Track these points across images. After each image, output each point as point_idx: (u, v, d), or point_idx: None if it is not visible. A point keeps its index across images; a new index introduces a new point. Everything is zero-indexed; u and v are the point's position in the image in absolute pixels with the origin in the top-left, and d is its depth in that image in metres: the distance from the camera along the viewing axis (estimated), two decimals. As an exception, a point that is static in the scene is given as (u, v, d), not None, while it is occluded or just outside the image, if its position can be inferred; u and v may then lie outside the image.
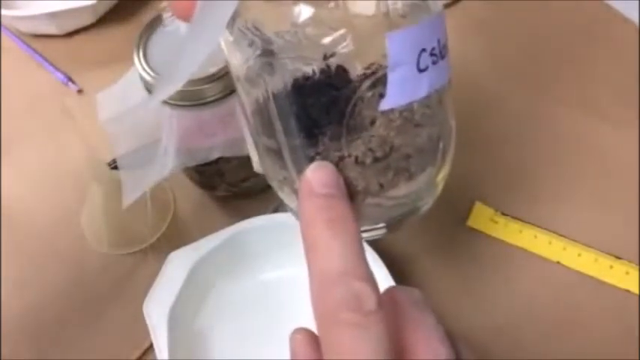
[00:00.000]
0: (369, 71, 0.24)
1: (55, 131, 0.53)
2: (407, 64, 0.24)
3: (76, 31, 0.60)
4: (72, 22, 0.59)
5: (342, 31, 0.23)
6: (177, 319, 0.40)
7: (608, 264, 0.43)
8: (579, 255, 0.43)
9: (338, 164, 0.23)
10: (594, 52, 0.53)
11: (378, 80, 0.24)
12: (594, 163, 0.47)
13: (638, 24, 0.54)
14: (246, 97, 0.26)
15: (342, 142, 0.23)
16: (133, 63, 0.38)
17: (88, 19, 0.59)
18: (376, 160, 0.24)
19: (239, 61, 0.25)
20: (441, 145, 0.28)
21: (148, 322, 0.40)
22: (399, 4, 0.24)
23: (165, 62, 0.37)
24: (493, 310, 0.42)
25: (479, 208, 0.46)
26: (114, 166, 0.43)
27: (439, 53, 0.25)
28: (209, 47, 0.23)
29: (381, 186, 0.25)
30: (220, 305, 0.42)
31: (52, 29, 0.58)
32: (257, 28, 0.23)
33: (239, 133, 0.38)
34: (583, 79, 0.51)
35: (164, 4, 0.40)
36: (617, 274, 0.42)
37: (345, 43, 0.23)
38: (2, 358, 0.43)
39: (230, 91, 0.37)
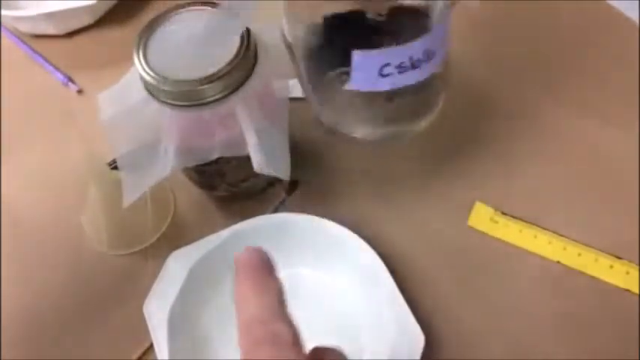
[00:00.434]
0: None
1: (55, 131, 0.53)
2: (367, 71, 0.32)
3: (76, 32, 0.60)
4: (72, 23, 0.59)
5: None
6: (177, 319, 0.40)
7: (608, 264, 0.43)
8: (579, 255, 0.43)
9: None
10: (595, 51, 0.53)
11: None
12: (594, 163, 0.47)
13: (638, 24, 0.54)
14: None
15: None
16: (133, 63, 0.38)
17: (88, 20, 0.59)
18: None
19: None
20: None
21: (148, 322, 0.40)
22: None
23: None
24: (493, 310, 0.42)
25: (479, 207, 0.46)
26: (114, 166, 0.43)
27: (410, 65, 0.33)
28: None
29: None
30: (220, 305, 0.42)
31: (51, 29, 0.58)
32: None
33: (239, 133, 0.38)
34: (583, 79, 0.51)
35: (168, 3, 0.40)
36: (617, 274, 0.42)
37: None
38: (2, 358, 0.43)
39: (230, 91, 0.37)
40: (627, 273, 0.42)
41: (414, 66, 0.32)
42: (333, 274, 0.43)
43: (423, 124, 0.44)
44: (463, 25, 0.53)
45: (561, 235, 0.44)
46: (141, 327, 0.40)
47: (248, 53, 0.38)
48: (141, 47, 0.38)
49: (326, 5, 0.36)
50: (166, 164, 0.39)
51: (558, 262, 0.43)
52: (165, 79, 0.37)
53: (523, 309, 0.42)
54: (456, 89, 0.49)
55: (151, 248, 0.46)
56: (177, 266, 0.41)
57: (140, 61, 0.37)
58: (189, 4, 0.40)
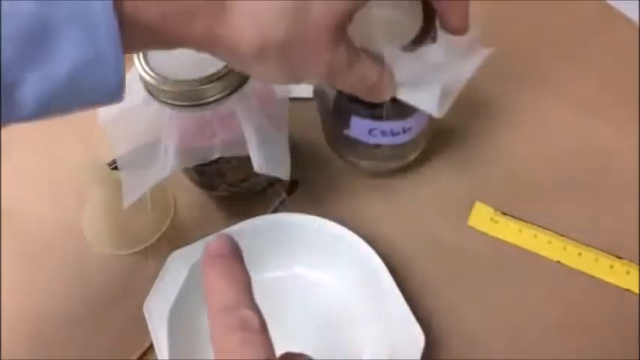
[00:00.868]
0: None
1: (55, 131, 0.53)
2: (360, 129, 0.42)
3: (76, 32, 0.60)
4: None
5: None
6: (177, 319, 0.40)
7: (608, 263, 0.43)
8: (579, 254, 0.43)
9: None
10: (595, 51, 0.53)
11: None
12: (594, 163, 0.47)
13: (638, 24, 0.54)
14: None
15: None
16: (133, 63, 0.38)
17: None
18: None
19: None
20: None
21: (148, 322, 0.40)
22: None
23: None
24: (493, 310, 0.42)
25: (479, 207, 0.46)
26: (114, 166, 0.43)
27: (390, 133, 0.42)
28: None
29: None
30: (220, 305, 0.42)
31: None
32: None
33: (239, 133, 0.38)
34: (583, 79, 0.51)
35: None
36: (617, 274, 0.42)
37: None
38: (2, 358, 0.43)
39: (230, 91, 0.37)
40: (627, 273, 0.42)
41: (393, 134, 0.42)
42: (333, 274, 0.43)
43: (411, 158, 0.48)
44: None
45: (561, 235, 0.44)
46: (141, 327, 0.40)
47: None
48: None
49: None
50: (166, 164, 0.39)
51: (558, 262, 0.43)
52: (165, 79, 0.36)
53: (523, 309, 0.42)
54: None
55: (151, 248, 0.46)
56: (178, 266, 0.41)
57: (140, 62, 0.37)
58: None
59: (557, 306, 0.42)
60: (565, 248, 0.44)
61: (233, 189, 0.47)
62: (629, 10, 0.55)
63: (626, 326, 0.41)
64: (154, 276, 0.41)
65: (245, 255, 0.43)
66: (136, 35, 0.26)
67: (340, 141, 0.46)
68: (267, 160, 0.39)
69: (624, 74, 0.51)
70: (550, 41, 0.54)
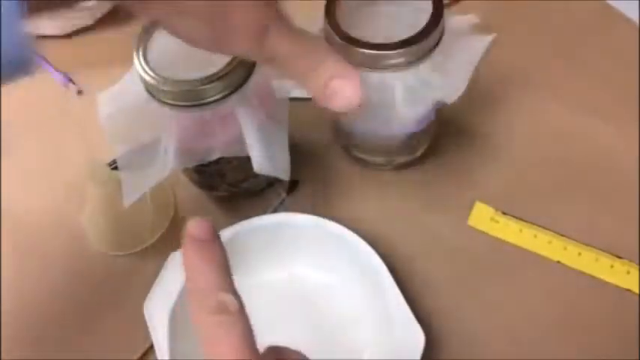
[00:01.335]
0: None
1: (55, 132, 0.53)
2: None
3: (76, 32, 0.60)
4: (71, 23, 0.59)
5: None
6: (177, 319, 0.39)
7: (608, 263, 0.43)
8: (580, 254, 0.43)
9: None
10: (594, 51, 0.53)
11: None
12: (594, 163, 0.47)
13: (638, 24, 0.54)
14: None
15: None
16: (132, 63, 0.38)
17: (88, 20, 0.59)
18: None
19: None
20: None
21: (148, 322, 0.40)
22: None
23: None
24: (493, 310, 0.42)
25: (479, 207, 0.46)
26: (114, 166, 0.43)
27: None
28: None
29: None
30: (221, 305, 0.42)
31: (51, 30, 0.58)
32: None
33: (239, 133, 0.38)
34: (583, 78, 0.51)
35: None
36: (617, 274, 0.42)
37: None
38: (2, 358, 0.43)
39: (230, 91, 0.37)
40: (628, 273, 0.42)
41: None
42: (333, 274, 0.43)
43: (420, 152, 0.48)
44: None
45: (561, 235, 0.44)
46: (141, 327, 0.40)
47: None
48: (141, 47, 0.38)
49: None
50: (166, 165, 0.39)
51: (558, 261, 0.43)
52: (165, 80, 0.36)
53: (523, 309, 0.42)
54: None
55: (151, 248, 0.46)
56: (178, 266, 0.41)
57: (140, 62, 0.37)
58: None
59: (558, 306, 0.42)
60: (565, 248, 0.44)
61: (233, 189, 0.47)
62: (629, 10, 0.55)
63: (626, 326, 0.41)
64: (154, 276, 0.41)
65: (245, 255, 0.43)
66: None
67: (351, 136, 0.45)
68: (267, 160, 0.39)
69: (624, 74, 0.51)
70: (550, 41, 0.54)
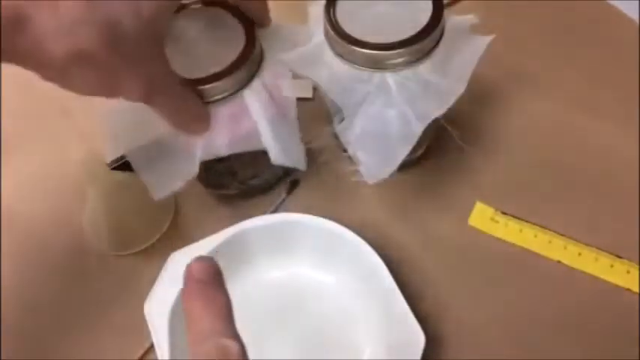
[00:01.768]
0: None
1: (55, 132, 0.53)
2: None
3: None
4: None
5: None
6: (178, 319, 0.39)
7: (608, 263, 0.43)
8: (580, 254, 0.43)
9: None
10: (595, 51, 0.53)
11: None
12: (594, 163, 0.47)
13: (638, 23, 0.54)
14: None
15: None
16: None
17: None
18: None
19: None
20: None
21: (148, 322, 0.40)
22: None
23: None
24: (493, 310, 0.42)
25: (479, 207, 0.46)
26: (114, 166, 0.43)
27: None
28: None
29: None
30: (221, 305, 0.42)
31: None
32: None
33: (250, 128, 0.39)
34: (583, 78, 0.51)
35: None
36: (617, 273, 0.42)
37: None
38: (2, 358, 0.43)
39: (237, 89, 0.38)
40: (628, 272, 0.42)
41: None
42: (333, 274, 0.43)
43: (419, 152, 0.48)
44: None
45: (561, 235, 0.44)
46: (141, 327, 0.40)
47: (254, 50, 0.38)
48: None
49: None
50: (193, 162, 0.39)
51: (559, 261, 0.43)
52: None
53: (523, 308, 0.42)
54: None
55: (151, 249, 0.46)
56: (178, 267, 0.41)
57: None
58: (193, 3, 0.40)
59: (558, 305, 0.42)
60: (565, 248, 0.44)
61: (242, 187, 0.47)
62: (629, 10, 0.55)
63: (626, 326, 0.41)
64: (155, 276, 0.41)
65: (245, 255, 0.43)
66: None
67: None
68: (283, 151, 0.39)
69: (624, 74, 0.51)
70: (550, 41, 0.54)
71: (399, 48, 0.37)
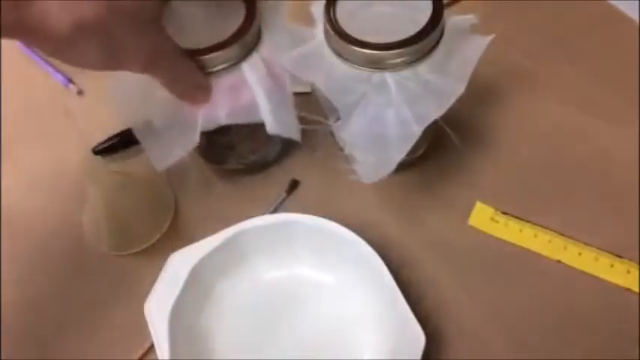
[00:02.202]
0: None
1: (55, 132, 0.53)
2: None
3: (76, 32, 0.60)
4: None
5: None
6: (178, 319, 0.40)
7: (608, 263, 0.43)
8: (580, 254, 0.43)
9: None
10: (595, 51, 0.53)
11: None
12: (594, 163, 0.47)
13: (638, 24, 0.54)
14: None
15: None
16: None
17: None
18: None
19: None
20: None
21: (149, 322, 0.40)
22: None
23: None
24: (493, 310, 0.42)
25: (479, 207, 0.46)
26: (98, 150, 0.43)
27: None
28: None
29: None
30: (221, 305, 0.42)
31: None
32: None
33: (249, 100, 0.40)
34: (584, 78, 0.51)
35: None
36: (617, 273, 0.42)
37: None
38: (2, 358, 0.43)
39: (237, 61, 0.39)
40: (628, 272, 0.42)
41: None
42: (333, 274, 0.43)
43: (420, 151, 0.48)
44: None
45: (562, 235, 0.44)
46: (142, 327, 0.40)
47: (254, 23, 0.40)
48: None
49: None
50: (193, 133, 0.40)
51: (559, 261, 0.43)
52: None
53: (524, 308, 0.42)
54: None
55: (151, 248, 0.46)
56: (178, 266, 0.41)
57: None
58: None
59: (558, 305, 0.42)
60: (565, 247, 0.44)
61: (243, 161, 0.48)
62: (630, 10, 0.55)
63: (626, 325, 0.41)
64: (155, 276, 0.41)
65: (245, 255, 0.43)
66: None
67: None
68: (278, 122, 0.40)
69: (624, 74, 0.51)
70: (550, 41, 0.54)
71: (399, 48, 0.37)
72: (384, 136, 0.40)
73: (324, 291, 0.43)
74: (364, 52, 0.38)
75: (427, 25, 0.38)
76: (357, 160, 0.41)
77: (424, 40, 0.37)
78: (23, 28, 0.30)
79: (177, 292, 0.40)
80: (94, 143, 0.48)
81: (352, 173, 0.42)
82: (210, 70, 0.39)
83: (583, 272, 0.43)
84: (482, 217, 0.45)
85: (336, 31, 0.38)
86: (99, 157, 0.43)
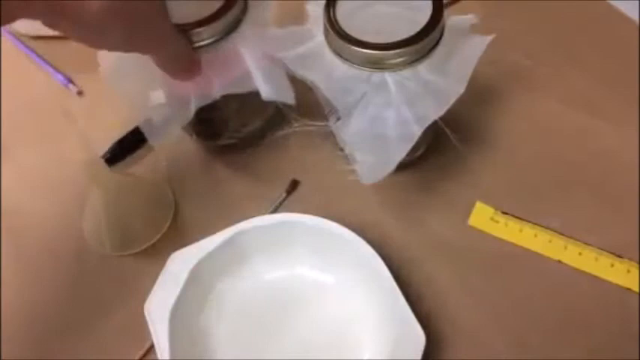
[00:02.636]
0: None
1: (55, 133, 0.53)
2: None
3: (77, 33, 0.60)
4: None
5: None
6: (178, 319, 0.40)
7: (608, 262, 0.43)
8: (580, 254, 0.43)
9: None
10: (595, 51, 0.53)
11: None
12: (594, 162, 0.47)
13: (638, 24, 0.54)
14: None
15: None
16: None
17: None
18: None
19: None
20: None
21: (148, 322, 0.40)
22: None
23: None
24: (493, 310, 0.42)
25: (479, 207, 0.46)
26: (107, 157, 0.43)
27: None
28: None
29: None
30: (221, 305, 0.42)
31: (51, 30, 0.58)
32: None
33: (240, 71, 0.40)
34: (584, 78, 0.51)
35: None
36: (617, 273, 0.42)
37: None
38: (2, 358, 0.43)
39: (227, 32, 0.40)
40: (628, 272, 0.42)
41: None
42: (333, 274, 0.43)
43: (420, 151, 0.48)
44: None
45: (562, 234, 0.44)
46: (142, 327, 0.40)
47: None
48: None
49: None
50: (189, 107, 0.41)
51: (559, 261, 0.43)
52: None
53: (524, 308, 0.42)
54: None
55: (151, 249, 0.46)
56: (178, 267, 0.41)
57: None
58: None
59: (558, 305, 0.42)
60: (565, 247, 0.44)
61: (236, 135, 0.48)
62: (630, 10, 0.55)
63: (626, 325, 0.41)
64: (155, 276, 0.41)
65: (245, 255, 0.43)
66: None
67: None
68: (273, 88, 0.41)
69: (624, 74, 0.51)
70: (550, 41, 0.54)
71: (399, 48, 0.37)
72: (384, 136, 0.40)
73: (324, 291, 0.43)
74: (364, 52, 0.38)
75: (427, 25, 0.38)
76: (357, 160, 0.41)
77: (424, 40, 0.37)
78: (52, 12, 0.31)
79: (177, 292, 0.40)
80: (94, 144, 0.48)
81: (352, 173, 0.41)
82: (199, 44, 0.40)
83: (583, 272, 0.43)
84: (483, 217, 0.45)
85: (336, 31, 0.38)
86: (99, 158, 0.43)
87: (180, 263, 0.41)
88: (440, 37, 0.39)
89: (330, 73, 0.40)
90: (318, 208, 0.44)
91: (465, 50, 0.40)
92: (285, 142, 0.48)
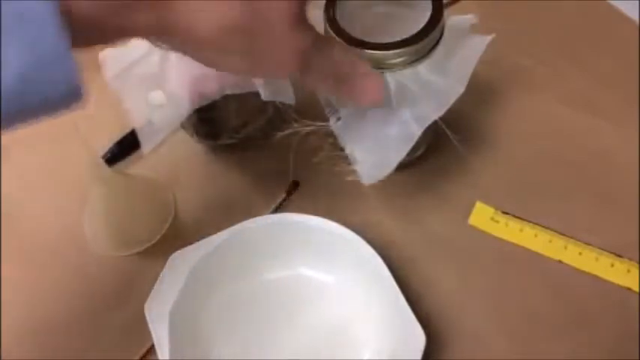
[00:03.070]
0: None
1: (55, 133, 0.53)
2: None
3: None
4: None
5: None
6: (178, 319, 0.40)
7: (609, 262, 0.43)
8: (580, 253, 0.43)
9: None
10: (595, 51, 0.53)
11: None
12: (594, 163, 0.47)
13: (638, 24, 0.54)
14: None
15: None
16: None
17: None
18: None
19: None
20: None
21: (149, 322, 0.40)
22: None
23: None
24: (494, 309, 0.42)
25: (479, 207, 0.46)
26: (107, 157, 0.43)
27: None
28: None
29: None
30: (221, 305, 0.42)
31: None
32: None
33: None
34: (584, 78, 0.51)
35: None
36: (618, 273, 0.42)
37: None
38: (2, 357, 0.43)
39: None
40: (628, 271, 0.42)
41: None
42: (333, 274, 0.43)
43: (420, 151, 0.48)
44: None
45: (562, 234, 0.44)
46: (142, 328, 0.40)
47: None
48: None
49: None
50: (184, 107, 0.40)
51: (559, 261, 0.43)
52: None
53: (524, 308, 0.42)
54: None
55: (151, 249, 0.46)
56: (178, 267, 0.41)
57: None
58: None
59: (558, 305, 0.42)
60: (566, 247, 0.44)
61: (235, 135, 0.48)
62: (630, 10, 0.55)
63: (626, 325, 0.41)
64: (155, 277, 0.41)
65: (245, 255, 0.43)
66: (81, 30, 0.25)
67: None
68: (274, 88, 0.41)
69: (624, 74, 0.51)
70: (550, 41, 0.54)
71: (399, 48, 0.37)
72: (384, 136, 0.40)
73: (324, 291, 0.43)
74: (364, 52, 0.38)
75: (427, 25, 0.38)
76: (357, 160, 0.41)
77: (424, 40, 0.37)
78: (162, 29, 0.27)
79: (177, 292, 0.40)
80: (94, 144, 0.48)
81: (352, 173, 0.41)
82: None
83: (583, 272, 0.43)
84: (483, 216, 0.45)
85: (336, 31, 0.38)
86: (99, 158, 0.43)
87: (181, 263, 0.41)
88: (440, 37, 0.39)
89: None
90: (318, 208, 0.44)
91: (465, 50, 0.40)
92: (286, 142, 0.47)
